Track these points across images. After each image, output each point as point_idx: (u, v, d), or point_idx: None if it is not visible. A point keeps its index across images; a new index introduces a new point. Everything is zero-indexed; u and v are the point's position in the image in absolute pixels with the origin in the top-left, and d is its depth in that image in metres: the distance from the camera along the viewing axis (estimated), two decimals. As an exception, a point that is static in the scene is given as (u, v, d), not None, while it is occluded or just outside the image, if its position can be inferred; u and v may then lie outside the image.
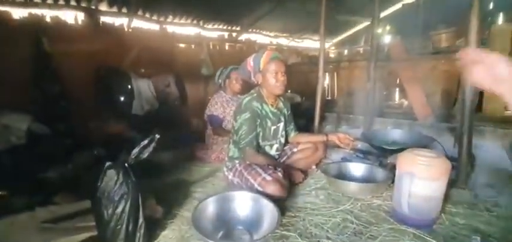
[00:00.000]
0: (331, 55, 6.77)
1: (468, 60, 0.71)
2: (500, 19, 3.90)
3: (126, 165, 1.22)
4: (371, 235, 1.25)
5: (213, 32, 5.01)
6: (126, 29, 3.83)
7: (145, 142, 1.27)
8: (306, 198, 1.65)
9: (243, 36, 5.47)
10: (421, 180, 1.25)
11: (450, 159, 1.41)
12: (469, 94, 1.68)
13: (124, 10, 3.70)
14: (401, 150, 1.76)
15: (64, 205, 1.56)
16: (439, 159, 1.27)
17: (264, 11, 4.78)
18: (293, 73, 4.98)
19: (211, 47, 4.94)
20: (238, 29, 5.26)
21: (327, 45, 6.83)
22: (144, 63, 3.88)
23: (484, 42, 3.28)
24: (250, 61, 1.84)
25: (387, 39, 5.50)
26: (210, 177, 2.12)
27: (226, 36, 5.19)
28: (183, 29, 4.58)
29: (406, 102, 4.14)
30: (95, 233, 1.24)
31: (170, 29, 4.38)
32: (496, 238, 1.22)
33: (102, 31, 3.51)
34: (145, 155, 1.29)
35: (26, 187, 1.79)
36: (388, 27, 5.95)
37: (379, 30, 3.89)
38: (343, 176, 1.86)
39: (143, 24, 4.05)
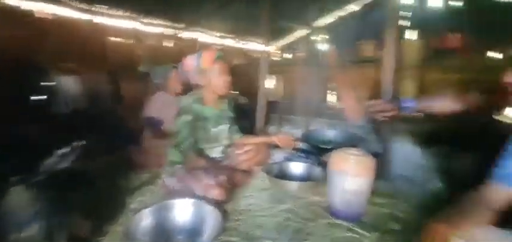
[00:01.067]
0: (275, 58, 7.04)
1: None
2: (411, 34, 4.62)
3: (39, 177, 1.03)
4: (309, 231, 1.32)
5: (152, 27, 4.69)
6: (46, 17, 3.30)
7: (65, 150, 1.10)
8: (249, 200, 1.66)
9: (187, 34, 5.27)
10: (351, 176, 1.37)
11: (375, 155, 1.59)
12: (388, 98, 1.94)
13: (42, -6, 3.18)
14: (336, 148, 1.93)
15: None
16: (366, 157, 1.42)
17: (209, 9, 4.69)
18: (238, 75, 4.99)
19: (150, 43, 4.62)
20: (180, 26, 5.04)
21: (271, 48, 7.07)
22: (70, 57, 3.40)
23: (400, 53, 3.83)
24: (190, 60, 1.76)
25: (324, 46, 5.99)
26: (148, 184, 1.96)
27: (167, 33, 4.92)
28: (118, 22, 4.17)
29: (339, 104, 4.55)
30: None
31: (103, 20, 3.94)
32: (410, 223, 1.41)
33: (12, 17, 2.94)
34: (66, 164, 1.12)
35: None
36: (325, 36, 6.49)
37: (318, 38, 4.19)
38: (285, 176, 1.94)
39: (68, 12, 3.54)
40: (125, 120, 3.30)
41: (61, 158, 1.11)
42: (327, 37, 6.38)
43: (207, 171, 1.61)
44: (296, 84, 4.89)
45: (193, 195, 1.50)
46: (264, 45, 2.74)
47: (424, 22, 4.85)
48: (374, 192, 1.67)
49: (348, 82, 4.05)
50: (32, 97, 2.83)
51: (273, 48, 7.34)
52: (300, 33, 6.96)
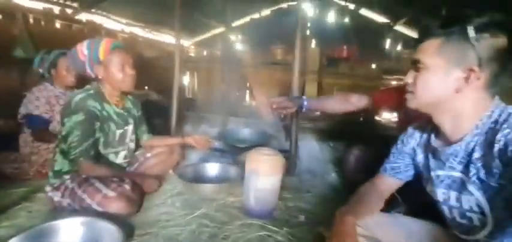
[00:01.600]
0: (191, 54, 6.78)
1: None
2: (313, 43, 5.26)
3: None
4: (225, 235, 1.30)
5: (35, 1, 3.76)
6: None
7: None
8: (160, 209, 1.52)
9: (83, 16, 4.45)
10: (264, 176, 1.43)
11: (284, 151, 1.72)
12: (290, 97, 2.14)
13: None
14: (251, 147, 1.98)
15: None
16: (277, 156, 1.50)
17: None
18: (150, 68, 4.57)
19: (32, 21, 3.68)
20: (75, 5, 4.22)
21: (186, 43, 6.77)
22: None
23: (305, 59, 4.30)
24: (83, 49, 1.46)
25: (239, 46, 6.15)
26: (24, 201, 1.55)
27: (57, 12, 4.03)
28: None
29: (254, 103, 4.75)
30: None
31: None
32: (314, 213, 1.58)
33: None
34: None
35: None
36: (239, 36, 6.67)
37: (233, 37, 4.25)
38: (200, 178, 1.86)
39: None
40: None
41: None
42: (242, 37, 6.59)
43: (106, 181, 1.38)
44: (212, 82, 4.84)
45: (87, 211, 1.26)
46: (176, 38, 2.57)
47: (321, 33, 5.61)
48: (283, 187, 1.80)
49: (261, 82, 4.29)
50: None
51: (188, 44, 7.06)
52: (216, 30, 6.94)
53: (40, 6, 3.83)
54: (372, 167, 1.14)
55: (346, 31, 5.72)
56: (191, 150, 2.39)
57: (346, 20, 6.14)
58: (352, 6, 6.01)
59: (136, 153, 1.82)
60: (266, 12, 6.51)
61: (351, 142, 2.17)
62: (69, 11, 4.20)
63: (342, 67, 4.65)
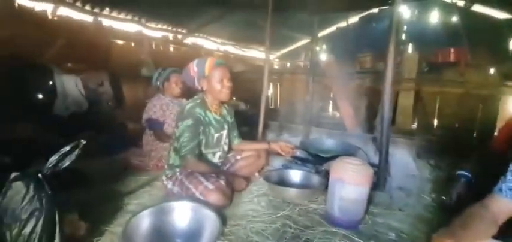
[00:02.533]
0: (275, 66, 7.10)
1: None
2: (410, 48, 4.69)
3: (39, 175, 1.04)
4: (307, 239, 1.33)
5: (156, 31, 4.74)
6: (50, 16, 3.33)
7: (67, 148, 1.11)
8: (248, 206, 1.67)
9: (189, 40, 5.32)
10: (350, 185, 1.39)
11: (372, 165, 1.61)
12: (387, 109, 1.97)
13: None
14: (334, 157, 1.95)
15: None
16: (364, 166, 1.44)
17: (211, 16, 4.75)
18: (239, 81, 5.03)
19: (154, 47, 4.66)
20: (184, 31, 5.10)
21: (271, 56, 7.14)
22: (73, 58, 3.43)
23: (398, 66, 3.89)
24: (193, 66, 1.79)
25: (323, 56, 6.07)
26: (147, 186, 1.96)
27: (170, 38, 4.97)
28: (122, 25, 4.21)
29: (338, 114, 4.58)
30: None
31: (107, 22, 3.98)
32: (406, 233, 1.43)
33: (16, 15, 2.97)
34: (66, 163, 1.13)
35: None
36: (324, 46, 6.57)
37: (317, 48, 4.25)
38: (283, 182, 1.94)
39: (73, 13, 3.58)
40: (125, 121, 3.32)
41: (62, 157, 1.11)
42: (328, 47, 6.47)
43: (206, 175, 1.62)
44: (295, 92, 4.92)
45: (192, 199, 1.51)
46: (266, 53, 2.78)
47: (421, 36, 4.94)
48: (370, 202, 1.69)
49: (346, 93, 4.10)
50: (35, 96, 2.84)
51: (273, 57, 7.42)
52: (301, 42, 7.06)
53: (159, 34, 4.80)
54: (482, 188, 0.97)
55: (453, 32, 4.88)
56: (275, 156, 2.53)
57: (454, 18, 5.24)
58: (461, 3, 5.11)
59: (229, 154, 2.05)
60: (354, 19, 6.23)
61: (458, 161, 1.85)
62: (179, 36, 5.11)
63: (447, 74, 3.97)
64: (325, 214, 1.55)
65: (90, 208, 1.50)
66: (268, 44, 2.72)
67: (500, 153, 1.00)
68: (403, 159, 2.86)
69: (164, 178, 1.80)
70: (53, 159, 1.11)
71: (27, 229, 0.97)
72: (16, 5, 3.01)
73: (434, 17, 5.57)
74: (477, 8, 5.10)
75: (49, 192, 1.03)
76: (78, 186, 1.81)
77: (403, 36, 5.45)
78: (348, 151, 2.47)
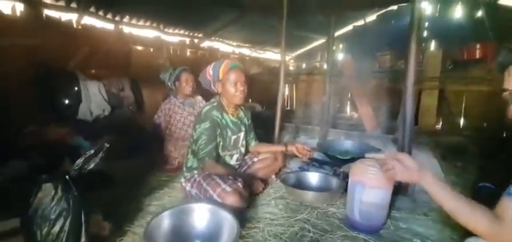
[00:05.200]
0: (291, 68, 7.06)
1: (389, 166, 0.99)
2: (432, 45, 4.50)
3: (66, 177, 1.09)
4: (326, 243, 1.30)
5: (173, 36, 4.86)
6: (74, 26, 3.51)
7: (92, 151, 1.15)
8: (265, 208, 1.66)
9: (205, 44, 5.41)
10: (371, 188, 1.35)
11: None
12: (409, 109, 1.90)
13: (73, 5, 3.39)
14: (353, 159, 1.90)
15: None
16: (385, 169, 1.38)
17: (226, 20, 4.81)
18: (254, 83, 5.06)
19: (171, 51, 4.78)
20: (200, 35, 5.19)
21: (287, 58, 7.11)
22: (96, 64, 3.59)
23: (420, 64, 3.74)
24: (209, 70, 1.81)
25: (340, 56, 5.96)
26: (166, 188, 2.01)
27: (187, 42, 5.08)
28: (141, 31, 4.36)
29: (356, 115, 4.48)
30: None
31: (127, 29, 4.13)
32: (432, 239, 1.36)
33: (45, 25, 3.15)
34: (91, 165, 1.17)
35: None
36: (341, 46, 6.45)
37: (334, 48, 4.17)
38: (301, 185, 1.92)
39: (96, 22, 3.75)
40: (146, 125, 3.42)
41: (87, 159, 1.16)
42: (344, 47, 6.35)
43: (224, 178, 1.63)
44: (311, 93, 4.87)
45: (210, 201, 1.53)
46: (282, 55, 2.76)
47: (444, 32, 4.73)
48: (393, 206, 1.63)
49: (365, 93, 3.99)
50: (62, 101, 2.99)
51: (288, 58, 7.39)
52: (316, 43, 6.98)
53: (177, 39, 4.91)
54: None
55: (479, 27, 4.63)
56: (291, 159, 2.51)
57: (479, 13, 4.98)
58: (487, -4, 4.85)
59: (246, 157, 2.05)
60: (372, 17, 6.08)
61: (486, 164, 1.75)
62: (195, 41, 5.21)
63: (474, 71, 3.77)
64: (345, 218, 1.51)
65: (114, 208, 1.55)
66: (284, 45, 2.70)
67: None
68: (428, 160, 2.74)
69: (183, 180, 1.83)
70: (79, 161, 1.15)
71: (56, 228, 1.02)
72: (44, 15, 3.18)
73: (458, 11, 5.32)
74: (503, 0, 4.82)
75: (76, 193, 1.07)
76: (102, 188, 1.88)
77: (425, 33, 5.24)
78: (367, 153, 2.40)
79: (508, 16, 4.66)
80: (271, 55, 7.09)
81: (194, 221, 1.30)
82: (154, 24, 4.42)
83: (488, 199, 0.91)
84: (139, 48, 4.37)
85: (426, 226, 1.49)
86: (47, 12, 3.22)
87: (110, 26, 3.93)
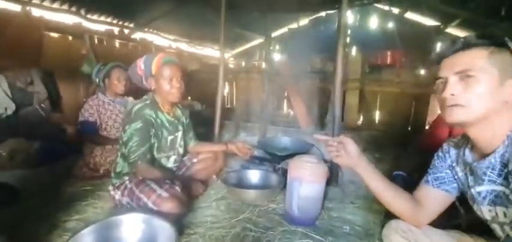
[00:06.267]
0: (231, 65, 7.05)
1: (333, 149, 1.03)
2: (354, 50, 5.10)
3: None
4: (268, 240, 1.33)
5: (99, 24, 4.29)
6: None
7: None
8: (206, 211, 1.60)
9: (137, 35, 4.94)
10: (308, 183, 1.43)
11: (325, 161, 1.69)
12: (337, 107, 2.10)
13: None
14: (291, 155, 1.99)
15: None
16: (320, 164, 1.49)
17: (162, 10, 4.48)
18: (193, 81, 4.86)
19: (96, 41, 4.21)
20: (131, 25, 4.72)
21: (226, 55, 7.07)
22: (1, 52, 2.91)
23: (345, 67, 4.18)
24: (140, 64, 1.64)
25: (277, 56, 6.23)
26: (90, 198, 1.75)
27: (116, 32, 4.55)
28: (57, 15, 3.71)
29: (292, 113, 4.74)
30: None
31: (38, 12, 3.46)
32: (359, 225, 1.52)
33: None
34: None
35: None
36: (278, 46, 6.74)
37: (271, 48, 4.33)
38: (242, 184, 1.92)
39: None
40: (64, 125, 2.94)
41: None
42: (281, 48, 6.65)
43: (160, 182, 1.51)
44: (251, 92, 4.95)
45: (144, 209, 1.39)
46: (221, 51, 2.71)
47: (363, 39, 5.41)
48: (325, 197, 1.77)
49: (299, 92, 4.26)
50: None
51: (228, 56, 7.36)
52: (255, 42, 7.13)
53: (103, 27, 4.35)
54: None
55: (390, 36, 5.44)
56: (232, 157, 2.49)
57: (390, 24, 5.86)
58: (396, 11, 5.72)
59: (184, 158, 1.94)
60: (304, 22, 6.51)
61: (399, 153, 2.05)
62: (126, 31, 4.71)
63: (386, 74, 4.41)
64: (285, 213, 1.57)
65: (21, 228, 1.28)
66: (223, 41, 2.66)
67: (429, 148, 1.14)
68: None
69: (111, 188, 1.62)
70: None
71: None
72: None
73: (373, 22, 6.14)
74: (410, 15, 5.77)
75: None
76: (6, 203, 1.53)
77: (348, 39, 5.89)
78: (303, 149, 2.55)
79: (413, 29, 5.61)
80: (210, 51, 6.93)
81: (124, 236, 1.16)
82: (73, 8, 3.82)
83: (402, 186, 1.07)
84: (55, 35, 3.72)
85: (354, 213, 1.65)
86: None
87: (15, 7, 3.23)
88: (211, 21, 4.65)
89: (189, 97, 4.99)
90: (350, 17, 5.98)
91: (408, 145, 2.43)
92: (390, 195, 1.00)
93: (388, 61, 4.74)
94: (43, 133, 2.68)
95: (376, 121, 4.47)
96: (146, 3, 4.15)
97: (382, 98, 4.43)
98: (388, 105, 4.35)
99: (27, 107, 2.92)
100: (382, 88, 4.37)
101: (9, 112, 2.75)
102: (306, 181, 1.43)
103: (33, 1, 3.38)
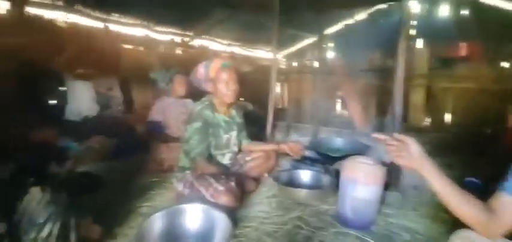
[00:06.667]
0: (282, 66, 7.08)
1: (393, 149, 0.96)
2: (420, 43, 4.61)
3: (55, 180, 1.06)
4: (319, 240, 1.32)
5: (163, 35, 4.79)
6: (61, 24, 3.41)
7: (81, 152, 1.13)
8: (258, 207, 1.66)
9: (196, 42, 5.36)
10: (363, 185, 1.37)
11: (383, 164, 1.59)
12: (398, 107, 1.94)
13: (59, 3, 3.29)
14: (344, 157, 1.92)
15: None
16: (377, 165, 1.41)
17: (217, 18, 4.77)
18: (245, 82, 5.04)
19: (161, 50, 4.72)
20: (190, 34, 5.14)
21: (278, 56, 7.12)
22: (83, 64, 3.49)
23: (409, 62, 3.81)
24: (200, 68, 1.80)
25: (331, 55, 6.01)
26: (157, 189, 1.98)
27: (178, 41, 5.02)
28: (130, 29, 4.27)
29: (346, 113, 4.53)
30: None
31: (115, 28, 4.05)
32: (421, 234, 1.40)
33: (29, 23, 3.05)
34: (80, 168, 1.15)
35: None
36: (331, 44, 6.51)
37: (325, 46, 4.21)
38: (293, 183, 1.93)
39: (83, 20, 3.65)
40: (136, 125, 3.36)
41: (75, 161, 1.13)
42: (335, 45, 6.40)
43: (216, 177, 1.62)
44: (302, 92, 4.90)
45: (202, 201, 1.51)
46: (273, 53, 2.77)
47: (431, 31, 4.84)
48: (383, 202, 1.66)
49: (355, 91, 4.05)
50: (48, 102, 2.91)
51: (281, 56, 7.40)
52: (307, 41, 7.01)
53: (167, 37, 4.85)
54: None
55: (464, 25, 4.75)
56: (284, 156, 2.51)
57: (464, 11, 5.10)
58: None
59: (238, 156, 2.05)
60: (362, 16, 6.14)
61: (472, 160, 1.80)
62: (186, 39, 5.15)
63: (459, 69, 3.89)
64: (337, 214, 1.53)
65: (103, 211, 1.52)
66: (275, 43, 2.71)
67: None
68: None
69: (174, 180, 1.81)
70: (67, 163, 1.12)
71: (44, 233, 0.98)
72: (27, 13, 3.08)
73: (444, 10, 5.44)
74: (489, 0, 4.96)
75: (64, 197, 1.04)
76: (91, 190, 1.84)
77: (413, 31, 5.35)
78: (358, 151, 2.43)
79: (492, 15, 4.80)
80: (262, 53, 7.07)
81: (187, 222, 1.29)
82: (144, 23, 4.34)
83: (474, 194, 0.95)
84: (129, 46, 4.28)
85: (416, 221, 1.52)
86: (30, 9, 3.12)
87: (98, 24, 3.84)
88: (263, 24, 4.76)
89: (242, 99, 5.17)
90: (416, 6, 5.42)
91: (486, 149, 2.11)
92: (459, 201, 0.89)
93: (462, 53, 4.16)
94: (119, 132, 3.12)
95: (446, 122, 3.97)
96: (203, 13, 4.47)
97: (454, 96, 3.91)
98: (462, 103, 3.83)
99: (107, 110, 3.44)
100: (454, 84, 3.87)
101: (94, 114, 3.27)
102: (360, 182, 1.37)
103: (112, 18, 3.95)
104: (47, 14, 3.26)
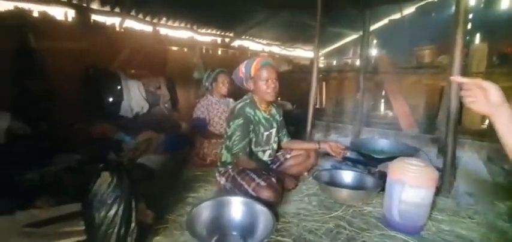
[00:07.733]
0: (321, 65, 6.93)
1: (469, 90, 0.88)
2: (477, 38, 4.15)
3: (120, 166, 1.19)
4: (364, 241, 1.28)
5: (206, 36, 5.02)
6: (117, 29, 3.78)
7: (138, 144, 1.25)
8: (298, 204, 1.67)
9: (236, 43, 5.51)
10: (412, 187, 1.30)
11: (435, 168, 1.48)
12: (453, 107, 1.79)
13: (117, 10, 3.65)
14: (389, 158, 1.84)
15: (46, 208, 1.50)
16: (428, 168, 1.33)
17: (257, 19, 4.85)
18: (284, 81, 5.04)
19: (204, 51, 4.95)
20: (231, 35, 5.31)
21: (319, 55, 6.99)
22: (135, 64, 3.84)
23: (464, 59, 3.47)
24: (242, 67, 1.86)
25: (374, 52, 5.72)
26: (202, 181, 2.10)
27: (219, 42, 5.22)
28: (176, 32, 4.57)
29: (391, 113, 4.27)
30: (82, 238, 1.20)
31: (163, 31, 4.36)
32: (478, 244, 1.28)
33: (92, 30, 3.44)
34: (138, 157, 1.27)
35: (4, 190, 1.70)
36: (375, 41, 6.19)
37: (368, 43, 4.02)
38: (334, 183, 1.90)
39: (136, 24, 4.01)
40: (180, 121, 3.59)
41: (135, 151, 1.26)
42: (379, 42, 6.07)
43: (258, 172, 1.67)
44: (342, 91, 4.74)
45: (244, 194, 1.57)
46: (314, 52, 2.74)
47: (490, 25, 4.34)
48: (434, 207, 1.55)
49: (401, 90, 3.79)
50: (107, 99, 3.25)
51: (320, 55, 7.25)
52: (349, 38, 6.76)
53: (209, 39, 5.07)
54: None
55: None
56: (323, 157, 2.48)
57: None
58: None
59: (278, 153, 2.08)
60: (410, 10, 5.74)
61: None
62: (227, 40, 5.33)
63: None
64: (382, 217, 1.47)
65: (154, 199, 1.66)
66: (317, 42, 2.67)
67: None
68: (472, 162, 2.57)
69: (217, 174, 1.90)
70: (127, 152, 1.26)
71: (112, 212, 1.12)
72: (92, 20, 3.47)
73: (504, 2, 4.84)
74: None
75: (128, 181, 1.18)
76: (144, 179, 2.02)
77: (469, 26, 4.84)
78: (405, 152, 2.30)
79: None
80: (300, 52, 7.01)
81: (231, 213, 1.36)
82: (188, 25, 4.61)
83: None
84: (175, 48, 4.58)
85: (470, 229, 1.40)
86: (94, 17, 3.51)
87: (148, 28, 4.17)
88: (303, 23, 4.72)
89: (280, 98, 5.19)
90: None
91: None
92: None
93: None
94: (166, 128, 3.35)
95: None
96: (244, 14, 4.58)
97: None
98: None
99: (156, 107, 3.72)
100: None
101: (145, 110, 3.56)
102: (409, 184, 1.30)
103: (160, 22, 4.26)
104: (107, 20, 3.64)
